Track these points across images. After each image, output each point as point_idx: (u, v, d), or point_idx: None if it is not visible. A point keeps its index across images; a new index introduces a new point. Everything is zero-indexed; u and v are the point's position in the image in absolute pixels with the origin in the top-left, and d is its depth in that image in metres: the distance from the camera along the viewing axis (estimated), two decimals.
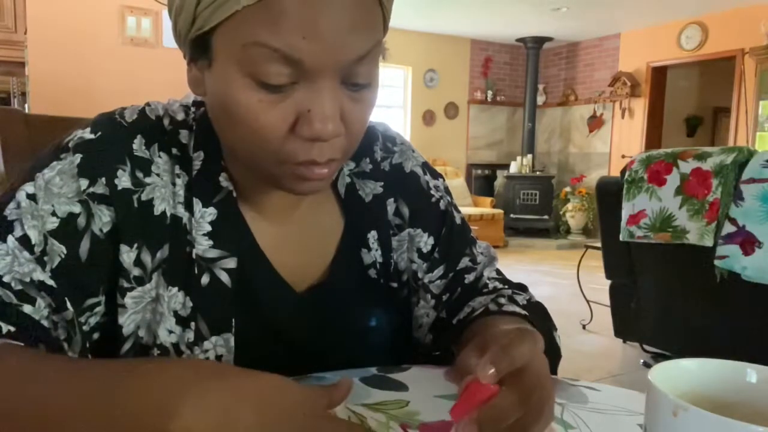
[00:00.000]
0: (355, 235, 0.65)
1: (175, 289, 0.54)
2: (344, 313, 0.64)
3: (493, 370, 0.39)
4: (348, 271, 0.64)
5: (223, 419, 0.33)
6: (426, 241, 0.68)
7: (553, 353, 0.62)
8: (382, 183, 0.67)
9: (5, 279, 0.47)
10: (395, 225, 0.68)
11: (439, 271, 0.68)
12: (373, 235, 0.66)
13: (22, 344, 0.45)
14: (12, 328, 0.45)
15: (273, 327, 0.60)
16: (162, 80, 3.12)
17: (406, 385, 0.57)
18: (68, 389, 0.37)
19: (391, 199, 0.68)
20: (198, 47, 0.49)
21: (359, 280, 0.65)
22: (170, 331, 0.54)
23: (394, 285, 0.68)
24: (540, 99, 8.19)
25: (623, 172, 2.69)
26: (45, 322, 0.47)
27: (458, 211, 0.73)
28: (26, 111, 3.20)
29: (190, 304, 0.54)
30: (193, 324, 0.54)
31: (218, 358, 0.55)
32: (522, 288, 0.69)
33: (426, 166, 0.72)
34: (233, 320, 0.56)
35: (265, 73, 0.45)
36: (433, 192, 0.70)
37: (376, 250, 0.66)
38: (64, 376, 0.38)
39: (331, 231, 0.65)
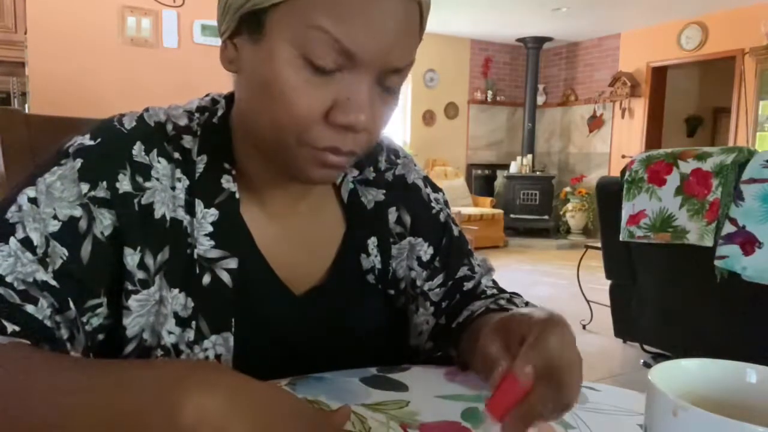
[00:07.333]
0: (356, 240, 0.66)
1: (176, 290, 0.54)
2: (342, 317, 0.64)
3: (530, 369, 0.42)
4: (347, 275, 0.65)
5: (219, 424, 0.33)
6: (426, 250, 0.69)
7: None
8: (384, 191, 0.69)
9: (8, 279, 0.47)
10: (396, 233, 0.69)
11: (438, 279, 0.69)
12: (372, 241, 0.67)
13: (29, 342, 0.46)
14: (17, 328, 0.45)
15: (271, 328, 0.60)
16: (162, 80, 3.12)
17: (406, 385, 0.57)
18: (75, 387, 0.38)
19: (393, 208, 0.69)
20: (247, 22, 0.50)
21: (357, 284, 0.66)
22: (170, 332, 0.54)
23: (392, 292, 0.68)
24: (540, 99, 8.18)
25: (623, 172, 2.69)
26: (48, 322, 0.48)
27: (456, 225, 0.74)
28: (26, 111, 3.20)
29: (191, 304, 0.55)
30: (193, 323, 0.55)
31: (218, 357, 0.55)
32: (518, 296, 0.70)
33: (427, 180, 0.74)
34: (233, 320, 0.56)
35: (319, 56, 0.48)
36: (433, 204, 0.72)
37: (376, 256, 0.66)
38: (70, 375, 0.40)
39: (331, 235, 0.66)
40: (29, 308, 0.47)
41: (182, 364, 0.39)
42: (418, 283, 0.69)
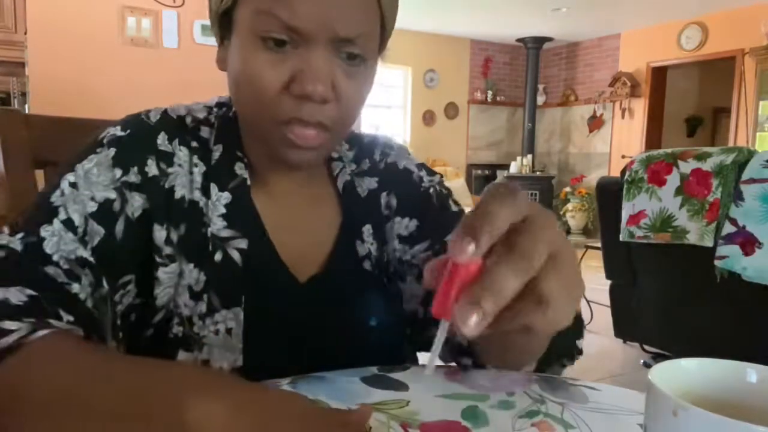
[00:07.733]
0: (352, 228, 0.68)
1: (191, 265, 0.59)
2: (342, 303, 0.66)
3: (471, 245, 0.30)
4: (345, 263, 0.67)
5: (225, 423, 0.34)
6: (407, 225, 0.70)
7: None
8: (377, 179, 0.71)
9: (54, 258, 0.52)
10: (385, 216, 0.71)
11: (422, 245, 0.68)
12: (367, 229, 0.69)
13: (82, 332, 0.50)
14: (71, 318, 0.50)
15: (276, 310, 0.62)
16: (162, 80, 3.13)
17: (406, 384, 0.57)
18: (90, 369, 0.41)
19: (384, 193, 0.71)
20: (223, 22, 0.58)
21: (355, 271, 0.67)
22: (185, 304, 0.58)
23: (386, 279, 0.70)
24: (540, 99, 8.19)
25: (623, 172, 2.69)
26: (89, 303, 0.53)
27: (457, 204, 0.73)
28: (26, 111, 3.20)
29: (204, 278, 0.59)
30: (205, 296, 0.58)
31: (228, 330, 0.58)
32: None
33: (423, 166, 0.75)
34: (243, 296, 0.59)
35: (270, 37, 0.53)
36: (424, 183, 0.72)
37: (371, 243, 0.69)
38: (93, 358, 0.44)
39: (330, 224, 0.68)
40: (75, 287, 0.52)
41: (197, 371, 0.42)
42: (403, 258, 0.69)
